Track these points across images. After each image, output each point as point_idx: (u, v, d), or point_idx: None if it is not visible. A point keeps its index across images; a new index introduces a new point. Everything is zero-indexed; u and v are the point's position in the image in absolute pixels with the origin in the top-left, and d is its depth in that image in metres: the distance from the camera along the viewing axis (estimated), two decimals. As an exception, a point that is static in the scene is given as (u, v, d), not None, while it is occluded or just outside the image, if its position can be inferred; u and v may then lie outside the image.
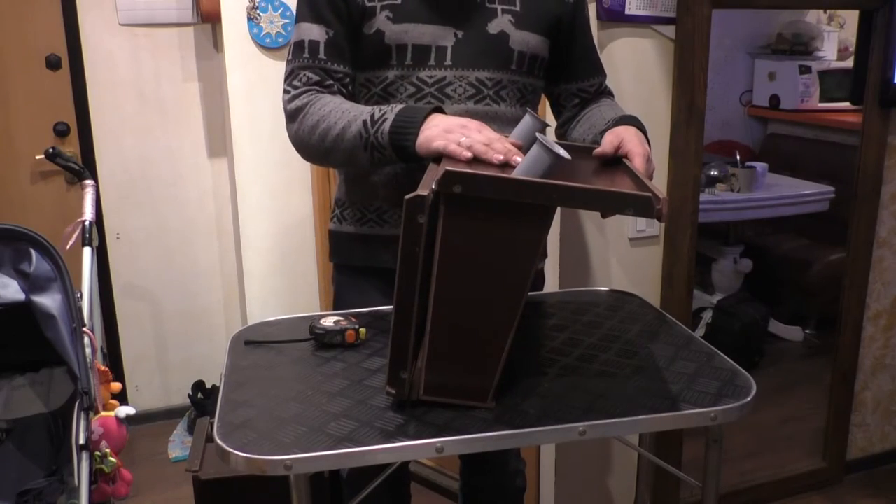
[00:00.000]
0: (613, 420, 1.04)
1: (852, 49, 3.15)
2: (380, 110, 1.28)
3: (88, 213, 2.07)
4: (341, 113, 1.31)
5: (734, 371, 1.18)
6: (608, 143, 1.26)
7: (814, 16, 3.81)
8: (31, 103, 2.75)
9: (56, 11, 2.71)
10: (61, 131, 2.79)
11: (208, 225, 3.01)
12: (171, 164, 2.94)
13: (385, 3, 1.35)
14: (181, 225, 3.00)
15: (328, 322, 1.31)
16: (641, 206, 0.96)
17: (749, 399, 1.09)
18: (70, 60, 2.76)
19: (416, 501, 2.38)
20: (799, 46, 3.71)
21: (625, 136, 1.26)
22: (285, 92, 1.41)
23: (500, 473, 1.70)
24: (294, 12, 1.48)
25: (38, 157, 2.67)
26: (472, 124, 1.19)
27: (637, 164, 1.21)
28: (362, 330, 1.31)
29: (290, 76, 1.41)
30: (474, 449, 1.02)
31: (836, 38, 3.79)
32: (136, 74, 2.84)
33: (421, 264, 0.98)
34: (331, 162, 1.41)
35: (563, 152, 1.01)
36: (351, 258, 1.52)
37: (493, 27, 1.39)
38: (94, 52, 2.78)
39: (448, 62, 1.37)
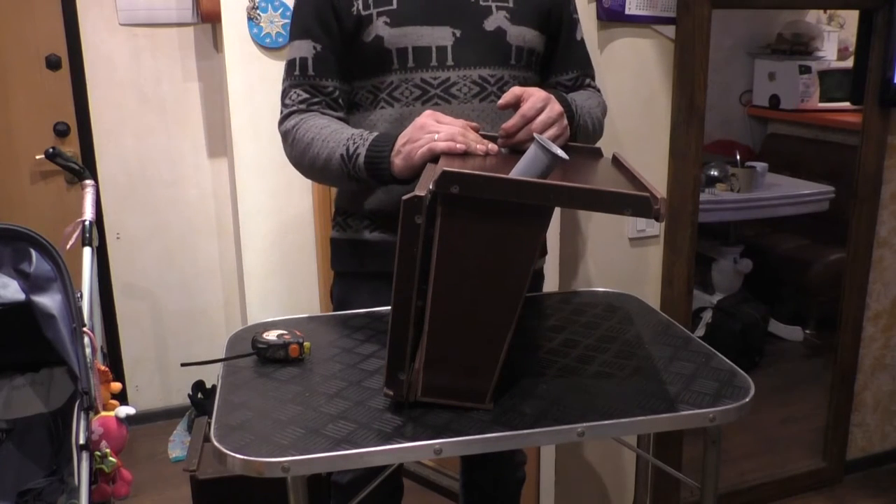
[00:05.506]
0: (611, 421, 1.03)
1: (852, 49, 3.14)
2: (353, 143, 1.32)
3: (88, 213, 2.07)
4: (322, 142, 1.36)
5: (732, 372, 1.18)
6: (510, 93, 1.28)
7: (814, 16, 3.81)
8: (31, 103, 2.75)
9: (56, 11, 2.71)
10: (61, 131, 2.79)
11: (208, 225, 3.01)
12: (171, 164, 2.94)
13: (381, 9, 1.36)
14: (181, 225, 3.00)
15: (271, 336, 1.24)
16: (639, 206, 0.96)
17: (747, 400, 1.09)
18: (70, 60, 2.76)
19: (416, 501, 2.40)
20: (799, 46, 3.70)
21: (530, 90, 1.28)
22: (280, 112, 1.46)
23: (500, 466, 1.71)
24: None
25: (38, 157, 2.68)
26: (427, 119, 1.24)
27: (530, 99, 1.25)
28: (307, 344, 1.24)
29: (283, 95, 1.46)
30: (472, 450, 1.02)
31: (836, 38, 3.78)
32: (136, 74, 2.84)
33: (419, 265, 0.98)
34: (332, 186, 1.49)
35: (560, 152, 1.01)
36: (362, 265, 1.49)
37: (490, 24, 1.40)
38: (94, 52, 2.78)
39: (450, 62, 1.38)
